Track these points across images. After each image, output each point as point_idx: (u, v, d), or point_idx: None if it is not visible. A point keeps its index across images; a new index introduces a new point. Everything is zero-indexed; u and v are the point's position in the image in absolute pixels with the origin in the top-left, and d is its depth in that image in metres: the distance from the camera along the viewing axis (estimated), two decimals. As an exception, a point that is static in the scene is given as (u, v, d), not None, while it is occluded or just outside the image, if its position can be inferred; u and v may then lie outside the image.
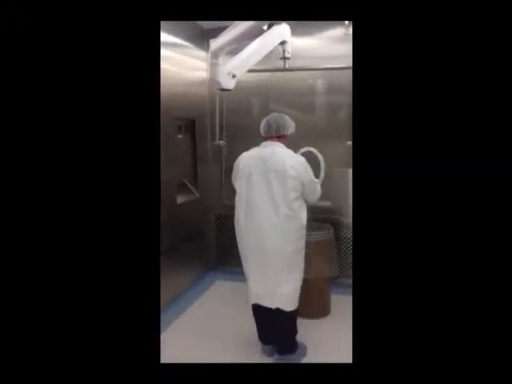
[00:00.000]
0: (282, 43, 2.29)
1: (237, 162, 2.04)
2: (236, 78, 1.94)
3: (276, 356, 2.09)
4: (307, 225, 2.01)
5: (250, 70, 2.81)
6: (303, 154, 2.49)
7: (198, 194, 3.11)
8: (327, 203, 2.84)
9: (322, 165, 2.78)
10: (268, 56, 2.14)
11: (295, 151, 2.06)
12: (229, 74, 1.90)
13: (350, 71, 2.56)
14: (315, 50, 2.84)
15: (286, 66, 2.39)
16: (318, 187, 2.04)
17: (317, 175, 2.32)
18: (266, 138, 2.01)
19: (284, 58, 2.35)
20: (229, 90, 1.95)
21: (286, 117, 2.03)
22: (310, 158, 2.00)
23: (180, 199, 2.85)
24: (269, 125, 1.98)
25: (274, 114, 2.04)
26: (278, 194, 1.85)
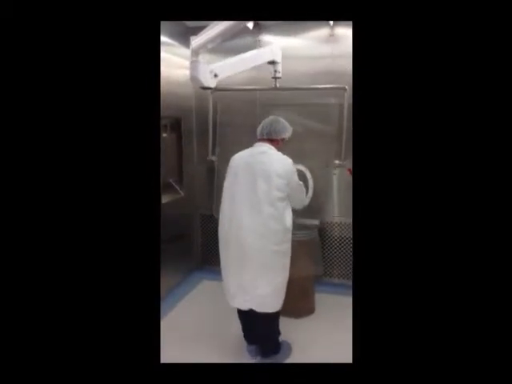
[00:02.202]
0: (274, 63, 2.34)
1: (230, 162, 2.05)
2: (218, 79, 1.92)
3: (259, 358, 2.09)
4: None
5: (241, 90, 2.89)
6: None
7: (183, 194, 3.09)
8: (316, 222, 2.78)
9: (310, 183, 2.73)
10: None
11: None
12: (211, 72, 1.88)
13: (339, 91, 2.62)
14: (301, 50, 2.85)
15: (277, 86, 2.43)
16: (305, 195, 2.11)
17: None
18: (259, 140, 2.03)
19: (275, 78, 2.40)
20: (210, 88, 1.94)
21: (282, 121, 2.04)
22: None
23: (165, 198, 2.83)
24: (262, 127, 2.01)
25: (271, 117, 2.05)
26: (262, 192, 1.85)
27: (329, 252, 3.00)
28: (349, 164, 2.77)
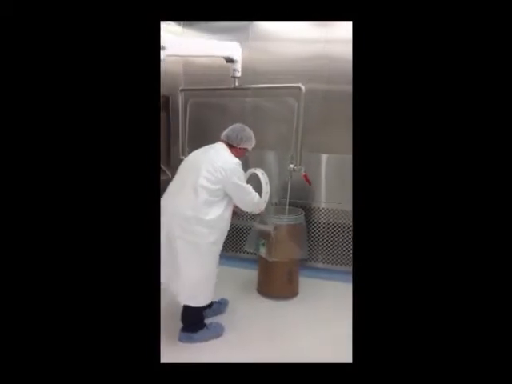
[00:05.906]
0: (232, 62, 2.25)
1: None
2: (166, 53, 1.80)
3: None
4: (281, 209, 1.95)
5: (201, 89, 2.79)
6: (250, 177, 2.35)
7: (170, 175, 3.06)
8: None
9: (264, 188, 2.34)
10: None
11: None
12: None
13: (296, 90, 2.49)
14: (293, 33, 2.79)
15: (236, 85, 2.36)
16: (253, 199, 2.06)
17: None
18: (220, 141, 2.09)
19: (234, 77, 2.33)
20: None
21: (248, 131, 2.09)
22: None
23: (152, 180, 2.80)
24: (228, 132, 2.08)
25: (239, 125, 2.10)
26: (191, 178, 1.93)
27: (314, 237, 3.05)
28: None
